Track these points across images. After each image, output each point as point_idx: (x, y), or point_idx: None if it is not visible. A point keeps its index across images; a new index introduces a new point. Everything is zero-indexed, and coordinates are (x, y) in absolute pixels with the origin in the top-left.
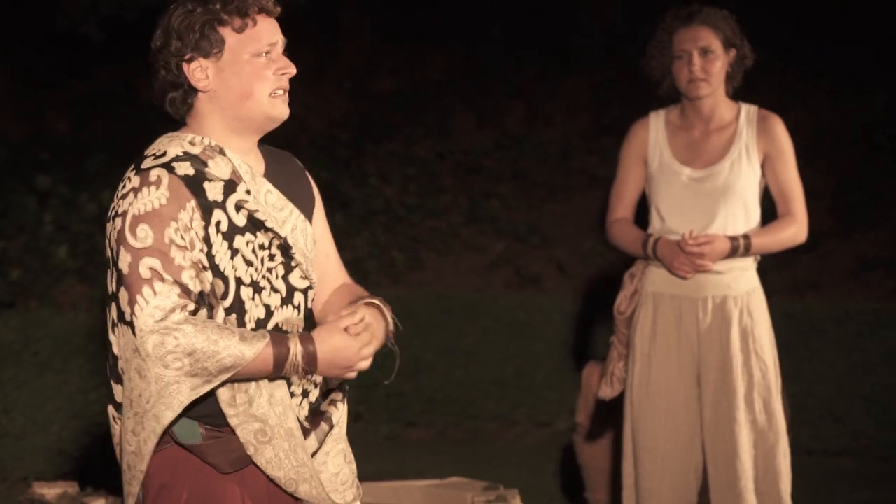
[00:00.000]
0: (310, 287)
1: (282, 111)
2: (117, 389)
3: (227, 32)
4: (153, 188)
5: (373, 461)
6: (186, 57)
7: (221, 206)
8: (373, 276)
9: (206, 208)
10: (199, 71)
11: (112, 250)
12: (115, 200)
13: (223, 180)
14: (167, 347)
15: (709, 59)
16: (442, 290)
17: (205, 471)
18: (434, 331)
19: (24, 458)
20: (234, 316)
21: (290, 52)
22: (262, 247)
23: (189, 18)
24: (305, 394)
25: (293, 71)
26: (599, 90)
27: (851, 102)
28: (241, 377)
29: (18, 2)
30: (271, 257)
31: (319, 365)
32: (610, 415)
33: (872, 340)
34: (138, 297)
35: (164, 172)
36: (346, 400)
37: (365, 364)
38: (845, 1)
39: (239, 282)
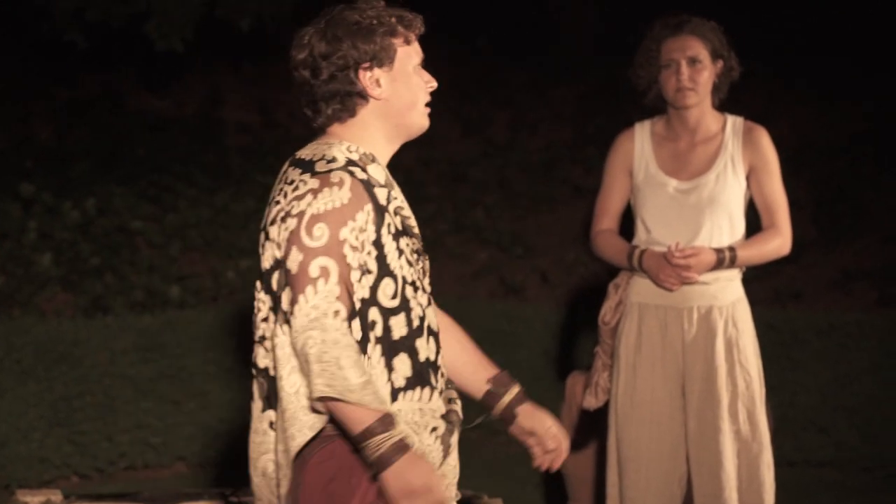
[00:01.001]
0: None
1: (428, 122)
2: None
3: (399, 44)
4: (335, 188)
5: None
6: (364, 65)
7: (387, 210)
8: None
9: (380, 212)
10: (373, 80)
11: (282, 250)
12: (285, 202)
13: (383, 185)
14: (308, 344)
15: (697, 69)
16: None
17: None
18: None
19: (7, 465)
20: (402, 315)
21: (277, 60)
22: (414, 250)
23: (365, 28)
24: (441, 391)
25: (435, 84)
26: (584, 101)
27: (836, 113)
28: (334, 413)
29: (2, 9)
30: (419, 261)
31: (388, 476)
32: (593, 424)
33: (856, 351)
34: (300, 297)
35: (345, 175)
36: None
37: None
38: (830, 12)
39: (405, 281)
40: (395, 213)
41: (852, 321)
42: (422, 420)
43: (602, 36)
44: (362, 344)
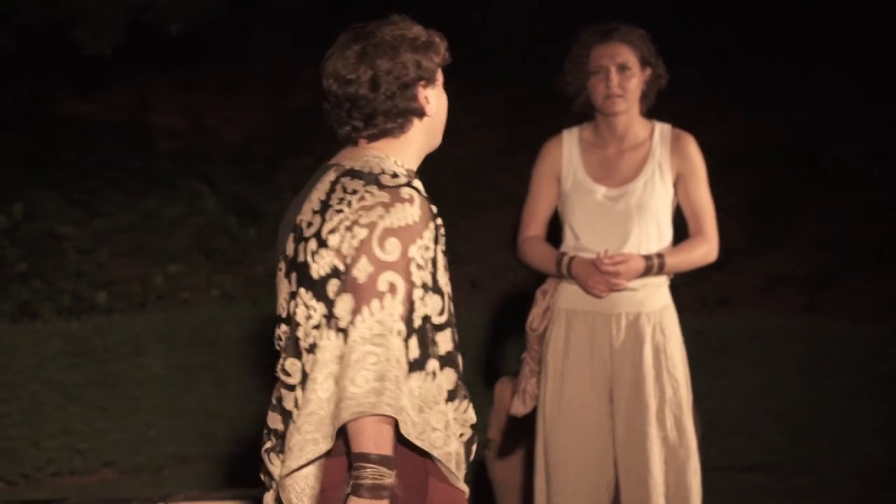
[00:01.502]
0: None
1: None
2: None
3: (438, 63)
4: (407, 205)
5: None
6: (422, 83)
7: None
8: None
9: (438, 230)
10: (425, 97)
11: (349, 258)
12: (350, 211)
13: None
14: (368, 361)
15: (626, 76)
16: None
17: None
18: None
19: None
20: (448, 330)
21: (207, 65)
22: (447, 267)
23: (425, 45)
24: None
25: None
26: (514, 107)
27: (765, 121)
28: (366, 428)
29: None
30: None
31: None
32: (522, 431)
33: (784, 356)
34: (364, 308)
35: (415, 193)
36: None
37: None
38: (761, 20)
39: (449, 297)
40: (437, 228)
41: (780, 327)
42: (456, 428)
43: (532, 43)
44: (420, 362)
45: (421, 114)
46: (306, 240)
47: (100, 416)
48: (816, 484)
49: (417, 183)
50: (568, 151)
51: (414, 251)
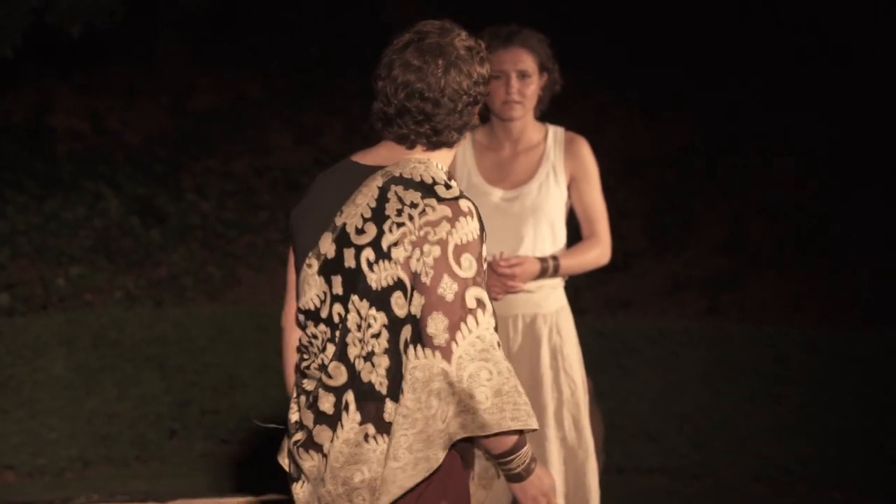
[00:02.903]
0: None
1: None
2: (385, 406)
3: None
4: (469, 219)
5: (188, 478)
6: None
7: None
8: (189, 291)
9: (483, 234)
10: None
11: (428, 277)
12: (413, 226)
13: None
14: (482, 377)
15: (525, 83)
16: (258, 306)
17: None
18: (249, 347)
19: None
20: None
21: (108, 68)
22: None
23: (483, 57)
24: None
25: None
26: None
27: (665, 125)
28: (490, 437)
29: None
30: None
31: (530, 483)
32: None
33: (685, 359)
34: (462, 325)
35: (471, 205)
36: None
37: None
38: (661, 25)
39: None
40: None
41: (681, 329)
42: None
43: None
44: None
45: (472, 127)
46: (359, 247)
47: (0, 418)
48: (717, 486)
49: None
50: (461, 154)
51: (483, 264)
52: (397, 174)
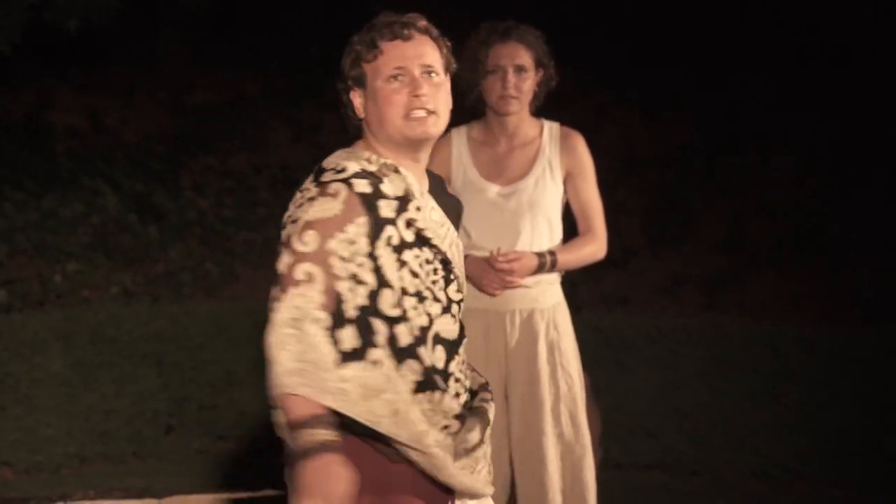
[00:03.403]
0: (462, 300)
1: (417, 131)
2: None
3: (366, 65)
4: (329, 199)
5: (185, 475)
6: (353, 90)
7: (393, 222)
8: (187, 288)
9: (379, 225)
10: (355, 100)
11: (280, 251)
12: (292, 210)
13: (397, 198)
14: (288, 344)
15: (522, 78)
16: (255, 303)
17: (377, 457)
18: (247, 344)
19: None
20: (404, 324)
21: (107, 66)
22: (427, 261)
23: (346, 55)
24: (457, 395)
25: (421, 90)
26: None
27: (664, 124)
28: (280, 402)
29: None
30: (434, 271)
31: (303, 469)
32: None
33: (684, 356)
34: (283, 296)
35: (342, 187)
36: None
37: None
38: (660, 25)
39: (404, 292)
40: (408, 225)
41: (680, 327)
42: (433, 418)
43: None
44: (360, 351)
45: (357, 118)
46: None
47: None
48: (715, 483)
49: (390, 180)
50: (457, 151)
51: (334, 244)
52: (321, 163)
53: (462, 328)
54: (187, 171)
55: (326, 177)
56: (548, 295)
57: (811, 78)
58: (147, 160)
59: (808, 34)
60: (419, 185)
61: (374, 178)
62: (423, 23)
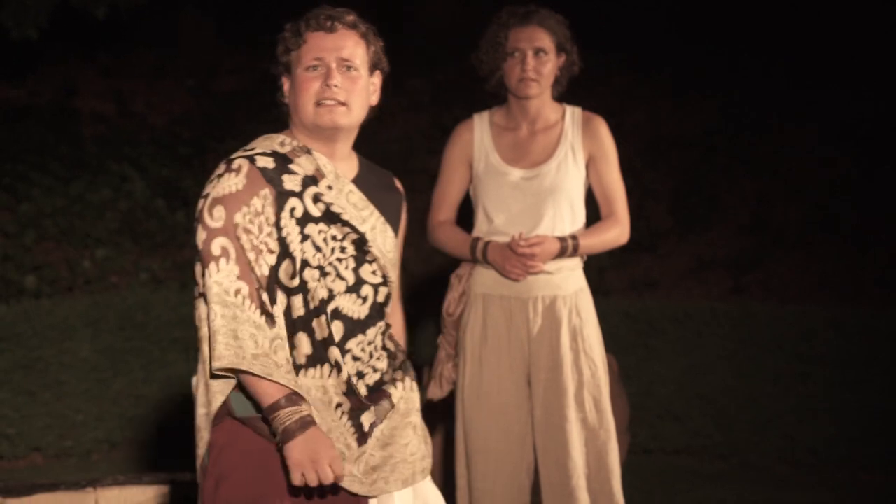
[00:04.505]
0: (383, 284)
1: (325, 119)
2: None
3: (292, 53)
4: (233, 174)
5: None
6: (280, 75)
7: (298, 195)
8: None
9: (282, 196)
10: (284, 86)
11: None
12: (205, 187)
13: (305, 175)
14: (220, 322)
15: (541, 61)
16: None
17: (257, 438)
18: None
19: None
20: (300, 295)
21: (133, 50)
22: (333, 238)
23: (278, 42)
24: (361, 375)
25: (333, 81)
26: (440, 90)
27: (691, 106)
28: (247, 388)
29: None
30: (342, 249)
31: (291, 447)
32: (446, 414)
33: (711, 339)
34: (206, 271)
35: (245, 162)
36: (410, 377)
37: (327, 475)
38: (685, 5)
39: (305, 263)
40: (316, 200)
41: (707, 309)
42: (325, 397)
43: (459, 25)
44: (268, 317)
45: (281, 102)
46: None
47: (28, 401)
48: (742, 466)
49: (302, 160)
50: (479, 135)
51: (239, 217)
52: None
53: (377, 311)
54: (214, 156)
55: (235, 155)
56: (570, 281)
57: (838, 58)
58: (174, 145)
59: (836, 12)
60: (334, 169)
61: (280, 158)
62: (351, 17)
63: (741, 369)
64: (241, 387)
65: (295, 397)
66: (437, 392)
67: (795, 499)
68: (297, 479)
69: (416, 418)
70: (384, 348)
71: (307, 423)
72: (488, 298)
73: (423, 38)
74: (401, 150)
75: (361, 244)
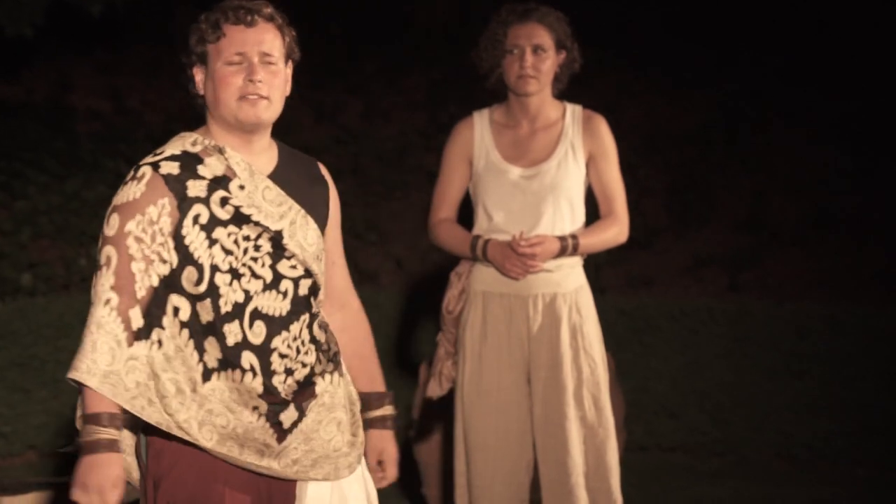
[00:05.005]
0: (304, 276)
1: (248, 114)
2: None
3: (209, 45)
4: (134, 183)
5: None
6: (194, 66)
7: (203, 201)
8: None
9: (185, 203)
10: (196, 77)
11: None
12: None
13: (212, 178)
14: (85, 329)
15: (540, 58)
16: None
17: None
18: None
19: None
20: (208, 300)
21: (128, 47)
22: (245, 238)
23: (192, 32)
24: (290, 372)
25: (257, 76)
26: (437, 88)
27: (686, 102)
28: (84, 391)
29: None
30: (256, 248)
31: (80, 463)
32: (445, 412)
33: (707, 337)
34: (93, 279)
35: (148, 170)
36: (339, 372)
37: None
38: (681, 1)
39: (215, 268)
40: (223, 204)
41: (703, 307)
42: (240, 399)
43: (454, 23)
44: (145, 330)
45: (195, 93)
46: None
47: (23, 399)
48: (739, 463)
49: (211, 160)
50: (479, 133)
51: (132, 225)
52: None
53: (301, 305)
54: None
55: (145, 160)
56: (570, 279)
57: (834, 55)
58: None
59: (831, 8)
60: (248, 166)
61: (189, 160)
62: (268, 10)
63: (737, 366)
64: None
65: (116, 419)
66: (436, 390)
67: (792, 495)
68: (72, 495)
69: (342, 414)
70: (312, 341)
71: (107, 445)
72: (488, 296)
73: (419, 37)
74: (397, 148)
75: (278, 241)
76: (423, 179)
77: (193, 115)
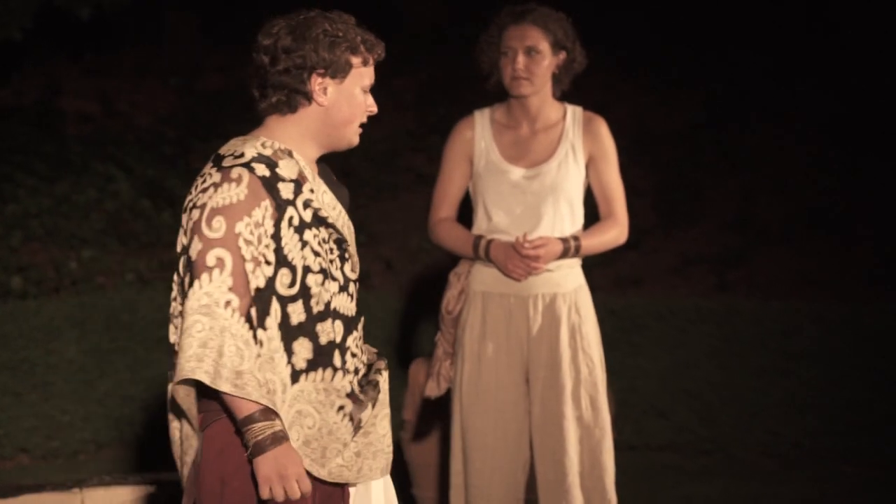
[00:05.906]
0: (357, 279)
1: (355, 141)
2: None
3: (356, 63)
4: (234, 185)
5: None
6: (319, 71)
7: (293, 203)
8: None
9: (280, 206)
10: (322, 87)
11: (187, 238)
12: (194, 194)
13: (292, 180)
14: (195, 329)
15: (534, 59)
16: None
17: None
18: None
19: None
20: (300, 301)
21: (118, 50)
22: (324, 240)
23: (331, 38)
24: (356, 371)
25: (375, 110)
26: (426, 89)
27: (675, 101)
28: (225, 398)
29: None
30: (331, 250)
31: (261, 461)
32: (437, 412)
33: (695, 336)
34: (196, 282)
35: (244, 172)
36: (387, 367)
37: (294, 491)
38: (669, 1)
39: (307, 270)
40: (306, 206)
41: (691, 306)
42: (327, 399)
43: (443, 25)
44: (255, 332)
45: (309, 99)
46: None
47: (14, 402)
48: (727, 462)
49: (284, 163)
50: (480, 132)
51: (241, 227)
52: (218, 151)
53: (358, 306)
54: (199, 155)
55: (227, 162)
56: (570, 279)
57: (821, 54)
58: (159, 144)
59: (818, 8)
60: (311, 171)
61: (270, 162)
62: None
63: (726, 365)
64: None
65: (269, 412)
66: (434, 390)
67: (780, 493)
68: (264, 493)
69: (389, 411)
70: (364, 341)
71: (279, 438)
72: (487, 296)
73: (409, 38)
74: (386, 150)
75: (341, 243)
76: (412, 180)
77: (183, 117)
